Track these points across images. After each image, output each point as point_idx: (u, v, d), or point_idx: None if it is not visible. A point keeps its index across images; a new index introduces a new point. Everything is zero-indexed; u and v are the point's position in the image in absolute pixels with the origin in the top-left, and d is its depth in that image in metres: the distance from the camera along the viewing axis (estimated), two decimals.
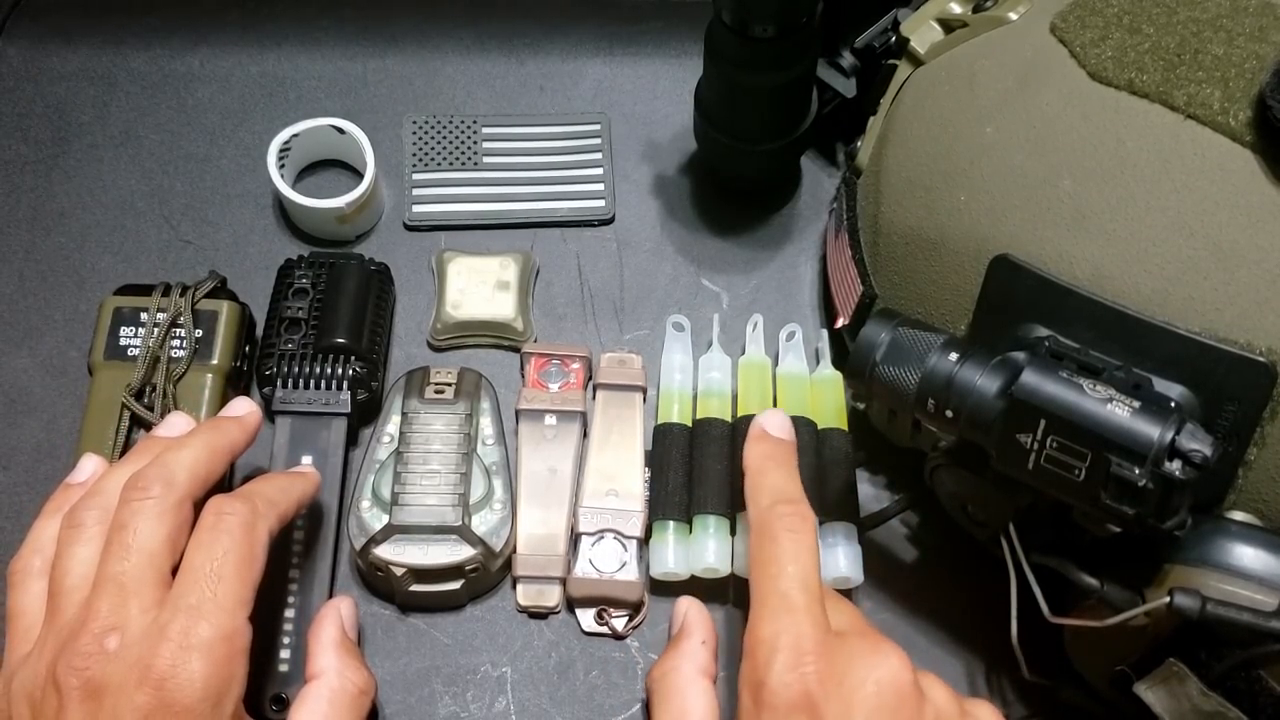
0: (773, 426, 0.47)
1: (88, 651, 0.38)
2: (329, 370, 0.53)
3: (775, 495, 0.43)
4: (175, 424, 0.47)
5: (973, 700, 0.40)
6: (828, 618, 0.39)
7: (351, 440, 0.54)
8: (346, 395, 0.53)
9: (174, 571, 0.41)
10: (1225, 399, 0.40)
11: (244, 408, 0.48)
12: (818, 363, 0.56)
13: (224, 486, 0.48)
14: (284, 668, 0.49)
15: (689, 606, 0.47)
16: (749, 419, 0.52)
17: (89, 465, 0.46)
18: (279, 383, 0.53)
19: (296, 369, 0.53)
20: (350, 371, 0.54)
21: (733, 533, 0.51)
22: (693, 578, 0.51)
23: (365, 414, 0.55)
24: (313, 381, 0.53)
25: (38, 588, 0.42)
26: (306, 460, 0.52)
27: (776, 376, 0.55)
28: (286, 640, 0.49)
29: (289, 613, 0.49)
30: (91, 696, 0.37)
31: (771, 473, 0.44)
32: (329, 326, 0.54)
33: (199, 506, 0.42)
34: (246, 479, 0.51)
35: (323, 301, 0.55)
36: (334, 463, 0.53)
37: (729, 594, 0.52)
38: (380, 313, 0.56)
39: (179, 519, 0.41)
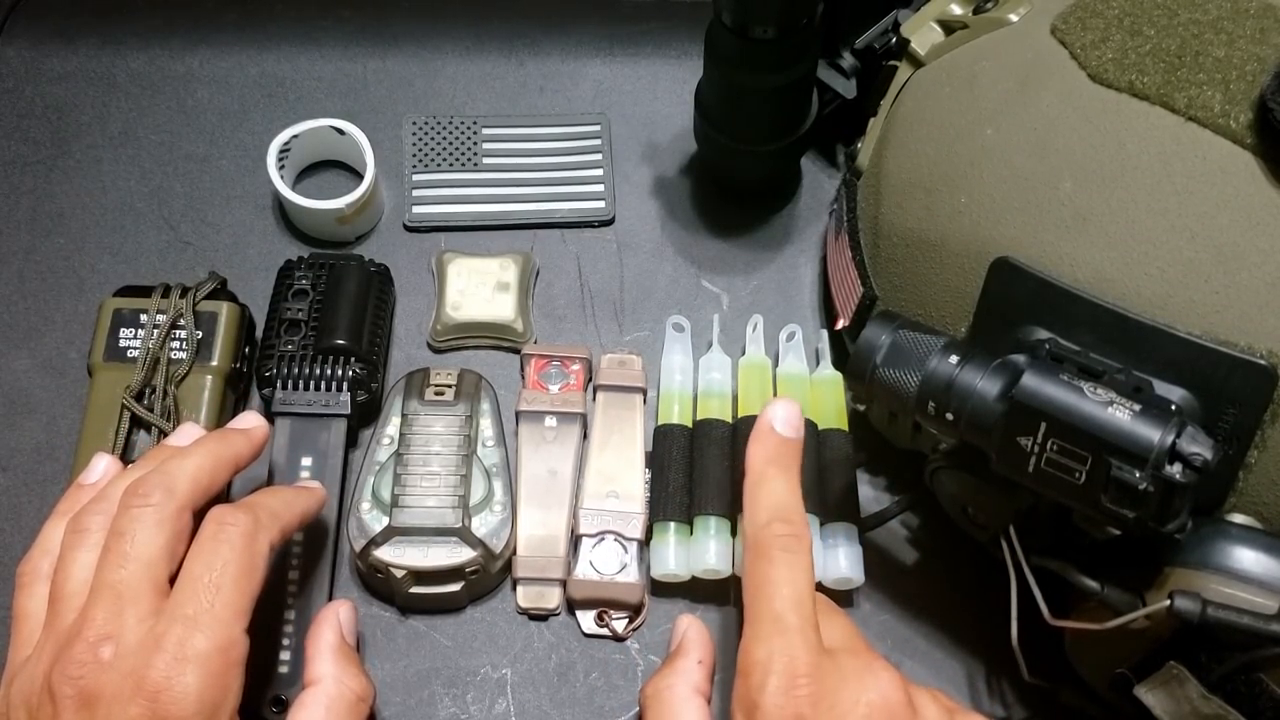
0: (780, 422, 0.44)
1: (82, 660, 0.38)
2: (329, 372, 0.53)
3: (773, 512, 0.42)
4: (187, 433, 0.47)
5: (967, 713, 0.40)
6: (820, 637, 0.39)
7: (351, 442, 0.54)
8: (346, 397, 0.53)
9: (172, 580, 0.40)
10: (1226, 402, 0.40)
11: (251, 421, 0.47)
12: (818, 363, 0.56)
13: (223, 498, 0.48)
14: (284, 669, 0.48)
15: (689, 625, 0.47)
16: (750, 419, 0.53)
17: (100, 465, 0.46)
18: (279, 384, 0.53)
19: (296, 370, 0.53)
20: (350, 373, 0.53)
21: (733, 534, 0.51)
22: (694, 579, 0.51)
23: (365, 415, 0.55)
24: (312, 383, 0.53)
25: (44, 590, 0.42)
26: (306, 462, 0.52)
27: (777, 377, 0.55)
28: (286, 641, 0.49)
29: (289, 614, 0.49)
30: (85, 706, 0.37)
31: (771, 483, 0.43)
32: (329, 328, 0.54)
33: (199, 516, 0.42)
34: (250, 485, 0.51)
35: (322, 303, 0.55)
36: (333, 464, 0.52)
37: (730, 595, 0.52)
38: (380, 314, 0.56)
39: (178, 527, 0.41)
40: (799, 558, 0.40)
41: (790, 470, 0.44)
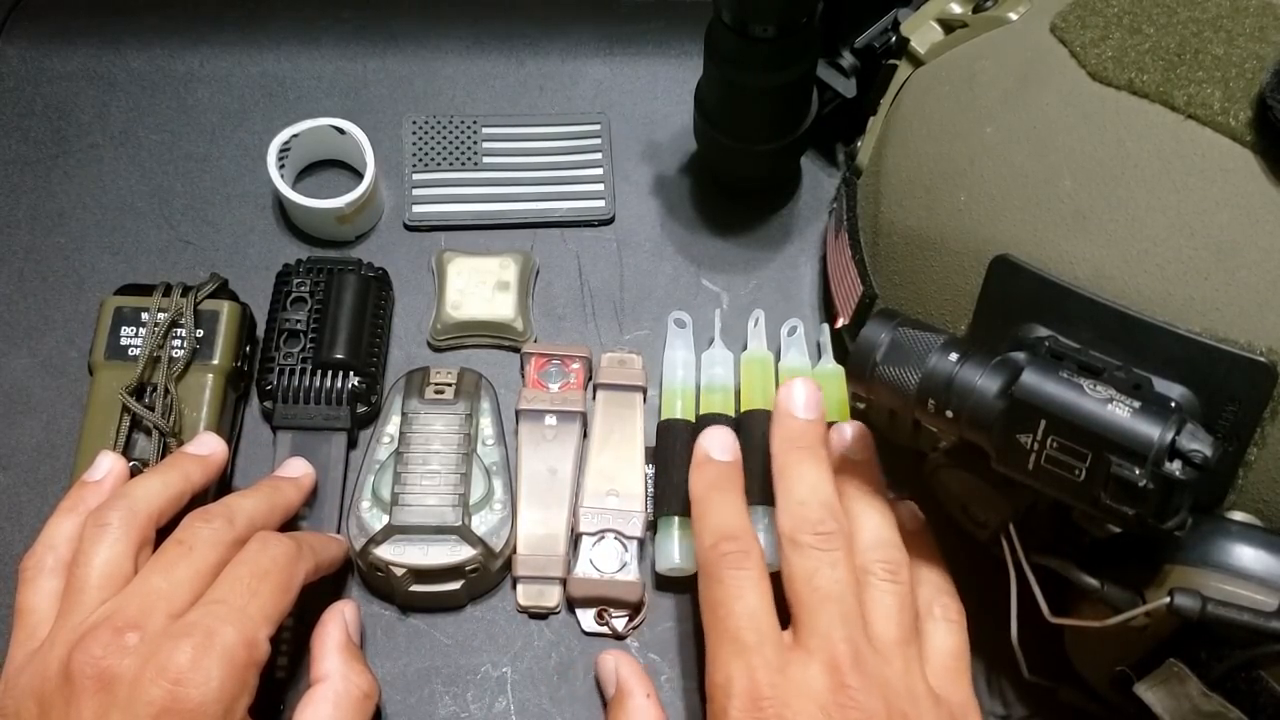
0: (715, 448, 0.47)
1: (106, 642, 0.38)
2: (328, 385, 0.54)
3: (717, 533, 0.43)
4: (206, 442, 0.49)
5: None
6: (782, 653, 0.39)
7: (351, 442, 0.54)
8: (346, 410, 0.54)
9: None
10: (1226, 399, 0.40)
11: (300, 470, 0.51)
12: (819, 357, 0.56)
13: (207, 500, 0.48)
14: (280, 674, 0.48)
15: (618, 664, 0.47)
16: (752, 414, 0.53)
17: (105, 463, 0.47)
18: (279, 398, 0.54)
19: (296, 383, 0.54)
20: (349, 386, 0.54)
21: None
22: (697, 572, 0.51)
23: (365, 424, 0.55)
24: (312, 396, 0.54)
25: (49, 585, 0.42)
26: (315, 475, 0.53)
27: (779, 371, 0.55)
28: (284, 648, 0.49)
29: (287, 620, 0.49)
30: (105, 688, 0.37)
31: (713, 506, 0.44)
32: (328, 341, 0.54)
33: None
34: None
35: (321, 312, 0.55)
36: (334, 477, 0.53)
37: None
38: (378, 323, 0.56)
39: (230, 555, 0.43)
40: (747, 573, 0.41)
41: (733, 491, 0.45)
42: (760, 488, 0.51)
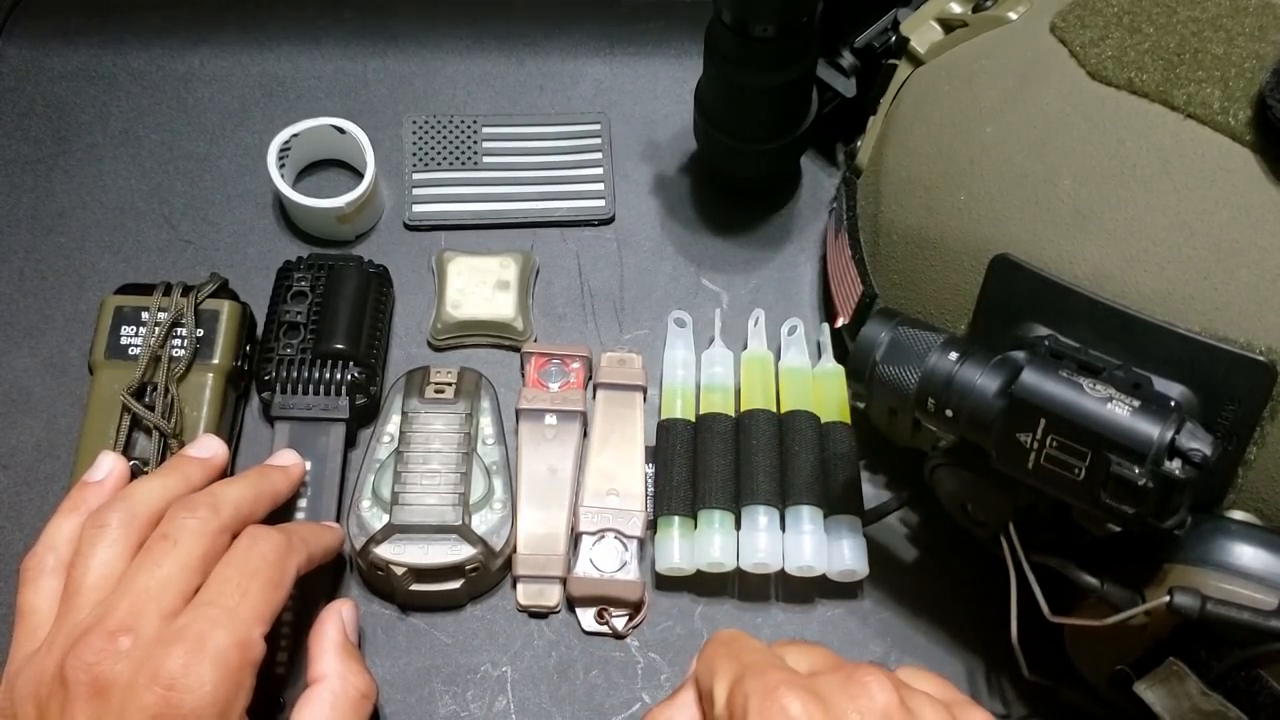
0: None
1: (99, 648, 0.38)
2: (327, 375, 0.54)
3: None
4: (207, 445, 0.49)
5: (965, 707, 0.39)
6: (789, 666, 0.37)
7: (351, 441, 0.54)
8: (345, 401, 0.53)
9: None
10: (1225, 398, 0.40)
11: (289, 459, 0.51)
12: (819, 357, 0.56)
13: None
14: (279, 670, 0.48)
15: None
16: (753, 414, 0.53)
17: (106, 462, 0.47)
18: (277, 388, 0.53)
19: (295, 374, 0.53)
20: (349, 377, 0.54)
21: (737, 527, 0.51)
22: (698, 572, 0.51)
23: (364, 417, 0.55)
24: (311, 387, 0.53)
25: (50, 585, 0.42)
26: (306, 465, 0.52)
27: (779, 371, 0.55)
28: (283, 643, 0.49)
29: (286, 615, 0.49)
30: (99, 694, 0.37)
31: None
32: (327, 332, 0.54)
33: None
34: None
35: (321, 305, 0.55)
36: (333, 468, 0.53)
37: (734, 589, 0.52)
38: (379, 317, 0.56)
39: (216, 545, 0.42)
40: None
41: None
42: (761, 487, 0.51)
